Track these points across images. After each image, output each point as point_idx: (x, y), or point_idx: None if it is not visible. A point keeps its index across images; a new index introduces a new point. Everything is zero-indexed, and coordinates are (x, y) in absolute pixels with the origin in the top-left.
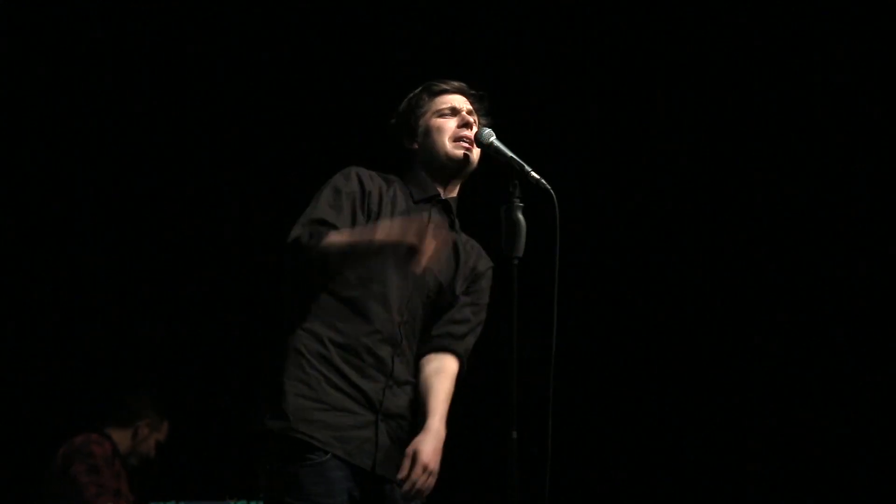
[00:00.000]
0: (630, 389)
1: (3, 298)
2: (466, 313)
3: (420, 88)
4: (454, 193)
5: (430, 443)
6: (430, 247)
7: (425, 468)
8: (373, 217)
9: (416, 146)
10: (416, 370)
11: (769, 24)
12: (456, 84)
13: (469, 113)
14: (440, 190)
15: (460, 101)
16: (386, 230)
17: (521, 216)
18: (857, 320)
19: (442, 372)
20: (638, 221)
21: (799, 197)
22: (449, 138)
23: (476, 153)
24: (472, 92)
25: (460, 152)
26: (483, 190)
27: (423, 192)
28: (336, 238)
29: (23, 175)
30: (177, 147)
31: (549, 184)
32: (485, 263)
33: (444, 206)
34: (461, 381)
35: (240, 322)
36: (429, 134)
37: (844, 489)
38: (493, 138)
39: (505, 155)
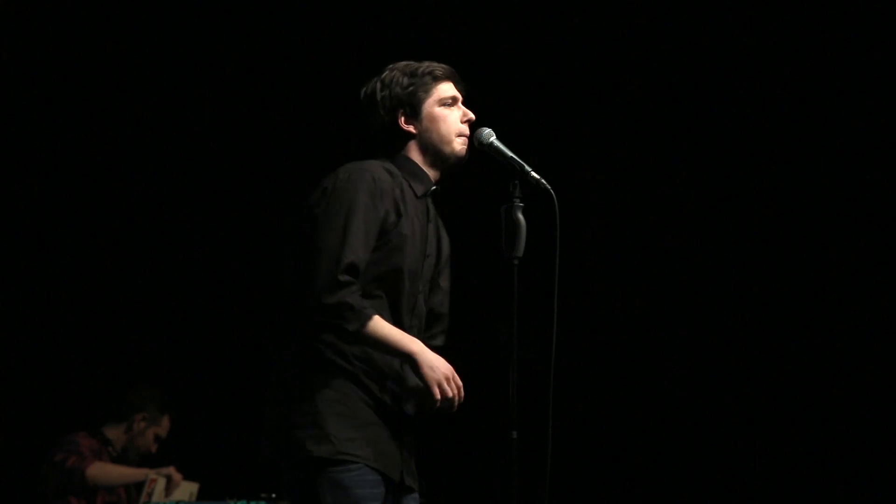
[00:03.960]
0: (630, 389)
1: (2, 298)
2: (444, 314)
3: (423, 69)
4: (439, 178)
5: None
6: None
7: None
8: (389, 232)
9: (413, 129)
10: None
11: (769, 23)
12: (451, 70)
13: (465, 104)
14: (433, 179)
15: (456, 91)
16: (430, 361)
17: (521, 216)
18: (858, 321)
19: None
20: (638, 221)
21: (799, 197)
22: (455, 133)
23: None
24: (461, 82)
25: (463, 149)
26: (483, 190)
27: (424, 186)
28: (379, 329)
29: (19, 172)
30: (179, 139)
31: (549, 184)
32: (448, 244)
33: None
34: None
35: (241, 322)
36: (434, 122)
37: (844, 489)
38: (493, 138)
39: (505, 155)
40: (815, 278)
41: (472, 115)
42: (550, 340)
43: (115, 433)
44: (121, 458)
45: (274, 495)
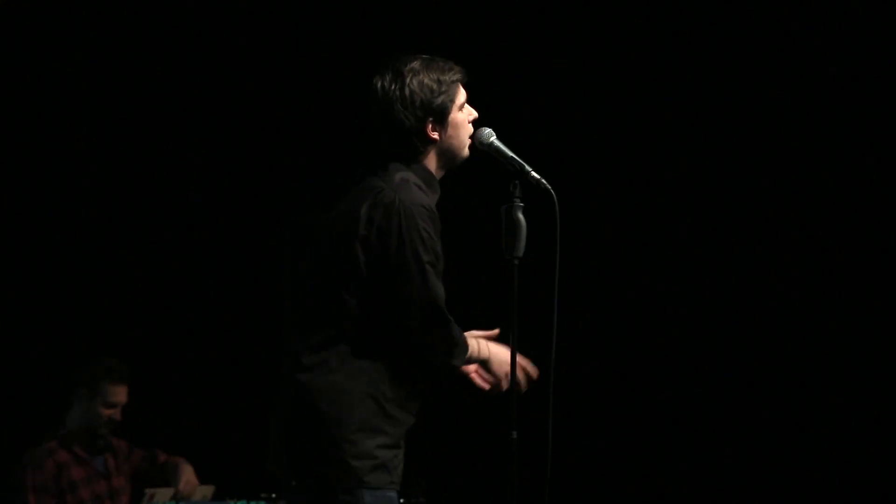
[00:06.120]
0: (630, 389)
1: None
2: None
3: (449, 76)
4: None
5: None
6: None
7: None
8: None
9: (437, 136)
10: None
11: (769, 22)
12: (464, 70)
13: None
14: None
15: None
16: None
17: (521, 216)
18: (859, 322)
19: None
20: (639, 221)
21: (801, 198)
22: (467, 135)
23: None
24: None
25: (468, 152)
26: (483, 190)
27: (436, 196)
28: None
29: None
30: (164, 135)
31: (549, 184)
32: None
33: None
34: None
35: (240, 321)
36: (456, 128)
37: (844, 489)
38: (493, 138)
39: (505, 155)
40: (816, 278)
41: (476, 114)
42: (550, 340)
43: (70, 421)
44: (91, 439)
45: (274, 495)
